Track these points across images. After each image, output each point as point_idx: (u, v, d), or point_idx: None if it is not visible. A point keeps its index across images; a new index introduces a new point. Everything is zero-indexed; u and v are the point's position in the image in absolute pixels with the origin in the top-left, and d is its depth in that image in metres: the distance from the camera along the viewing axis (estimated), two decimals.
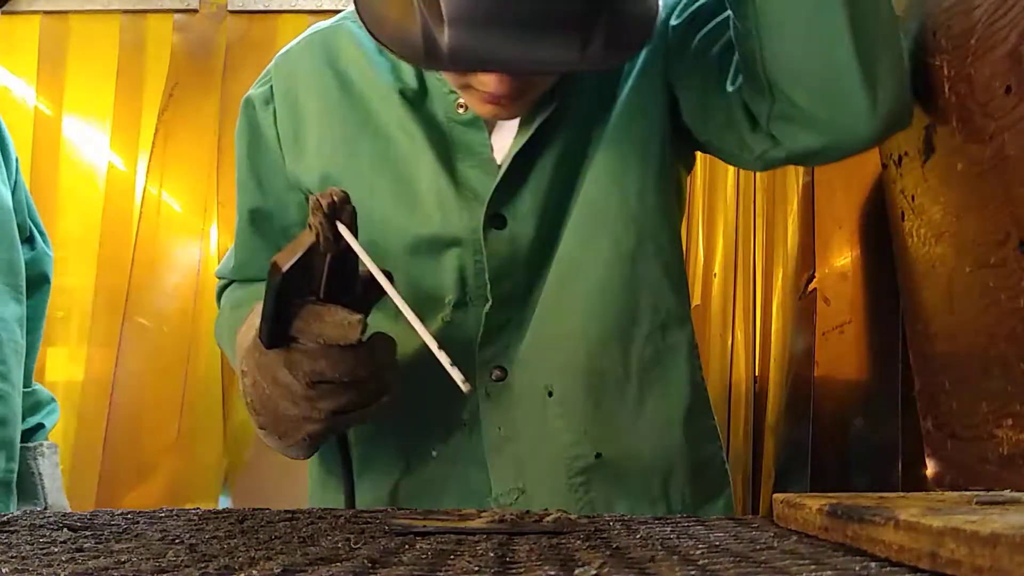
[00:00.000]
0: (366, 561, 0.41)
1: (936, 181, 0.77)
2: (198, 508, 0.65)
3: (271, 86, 0.91)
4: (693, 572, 0.37)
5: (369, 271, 0.68)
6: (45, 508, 1.24)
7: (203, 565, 0.39)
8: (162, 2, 2.01)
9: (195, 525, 0.56)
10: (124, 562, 0.41)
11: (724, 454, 0.93)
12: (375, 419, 0.75)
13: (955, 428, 0.74)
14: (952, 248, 0.74)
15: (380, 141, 0.86)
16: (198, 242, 1.93)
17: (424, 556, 0.43)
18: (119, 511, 0.64)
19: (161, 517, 0.60)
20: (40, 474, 1.25)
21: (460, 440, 0.86)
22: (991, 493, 0.50)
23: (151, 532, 0.52)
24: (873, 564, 0.38)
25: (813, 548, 0.44)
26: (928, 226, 0.79)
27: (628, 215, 0.86)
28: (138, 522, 0.57)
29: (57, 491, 1.28)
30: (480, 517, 0.59)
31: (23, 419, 1.28)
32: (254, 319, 0.77)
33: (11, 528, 0.53)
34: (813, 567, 0.38)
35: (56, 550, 0.44)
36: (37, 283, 1.25)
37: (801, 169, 1.31)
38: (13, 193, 1.29)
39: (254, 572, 0.38)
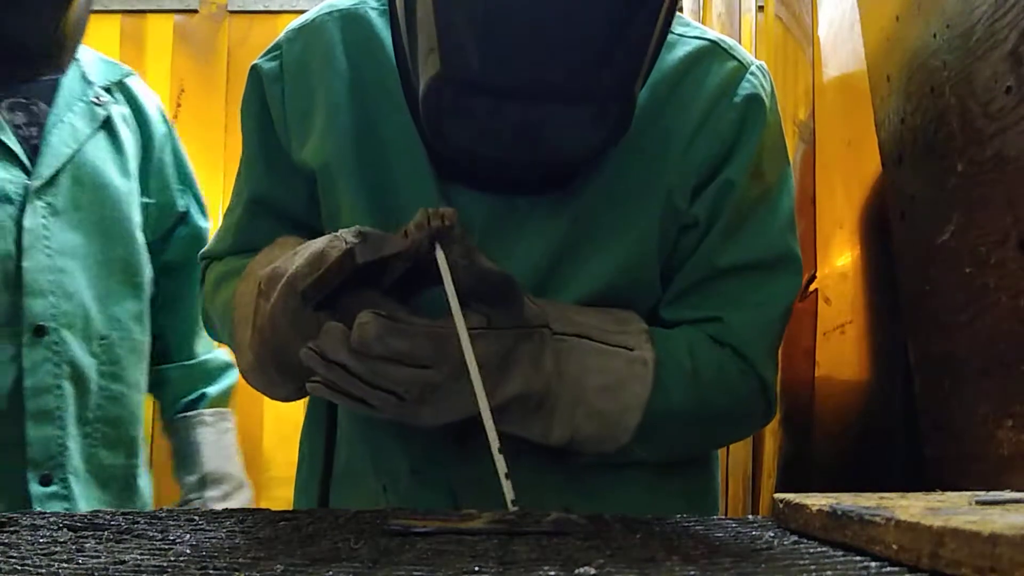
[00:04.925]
0: (366, 561, 0.41)
1: (936, 181, 0.77)
2: (198, 508, 0.65)
3: (281, 62, 0.87)
4: (693, 572, 0.37)
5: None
6: (203, 477, 1.23)
7: (203, 565, 0.40)
8: (162, 2, 2.01)
9: (195, 525, 0.56)
10: (124, 562, 0.41)
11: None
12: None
13: (955, 428, 0.74)
14: (952, 248, 0.74)
15: (382, 162, 0.82)
16: None
17: (424, 556, 0.43)
18: (119, 511, 0.64)
19: (161, 517, 0.60)
20: (199, 443, 1.24)
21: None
22: (991, 493, 0.50)
23: (151, 532, 0.52)
24: (873, 564, 0.38)
25: (813, 548, 0.44)
26: (928, 226, 0.79)
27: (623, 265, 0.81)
28: (138, 522, 0.57)
29: (223, 459, 1.25)
30: (480, 517, 0.59)
31: (187, 391, 1.29)
32: (283, 250, 0.76)
33: (11, 528, 0.53)
34: (813, 567, 0.38)
35: (56, 550, 0.44)
36: (191, 263, 1.20)
37: (800, 168, 1.31)
38: (148, 177, 1.27)
39: (254, 572, 0.38)
